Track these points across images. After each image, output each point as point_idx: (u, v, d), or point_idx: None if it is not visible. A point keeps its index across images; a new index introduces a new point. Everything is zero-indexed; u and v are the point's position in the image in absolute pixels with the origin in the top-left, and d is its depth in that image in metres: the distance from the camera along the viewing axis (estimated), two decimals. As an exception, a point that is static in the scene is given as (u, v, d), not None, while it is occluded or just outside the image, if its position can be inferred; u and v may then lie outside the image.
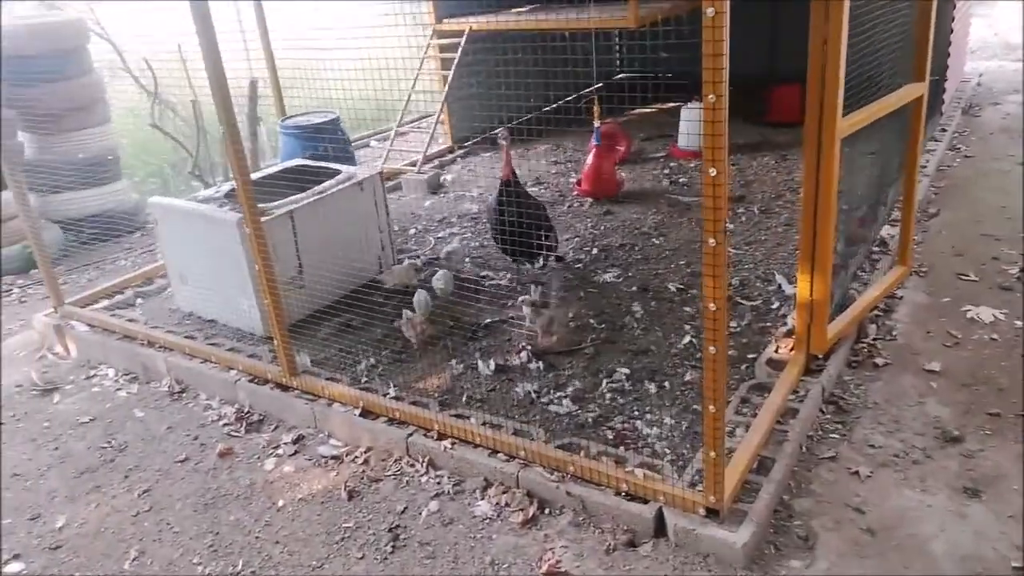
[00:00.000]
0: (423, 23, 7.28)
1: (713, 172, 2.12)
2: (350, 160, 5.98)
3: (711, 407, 2.44)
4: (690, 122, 6.75)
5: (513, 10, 7.21)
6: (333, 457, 3.32)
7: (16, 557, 2.95)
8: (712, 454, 2.51)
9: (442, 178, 6.87)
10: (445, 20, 7.17)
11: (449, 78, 7.02)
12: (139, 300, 4.84)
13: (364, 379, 3.69)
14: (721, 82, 1.99)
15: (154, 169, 8.29)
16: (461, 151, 7.71)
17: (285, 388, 3.66)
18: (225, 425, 3.64)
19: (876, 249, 4.60)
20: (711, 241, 2.20)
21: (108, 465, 3.46)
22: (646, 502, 2.75)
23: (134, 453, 3.52)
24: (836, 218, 3.21)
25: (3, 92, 5.87)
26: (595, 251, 5.05)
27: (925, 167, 5.90)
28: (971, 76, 8.99)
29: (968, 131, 7.07)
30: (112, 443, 3.60)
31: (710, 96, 2.02)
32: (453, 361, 3.81)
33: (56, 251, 5.90)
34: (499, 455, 3.06)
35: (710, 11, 1.92)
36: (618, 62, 10.15)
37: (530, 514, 2.86)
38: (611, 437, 3.16)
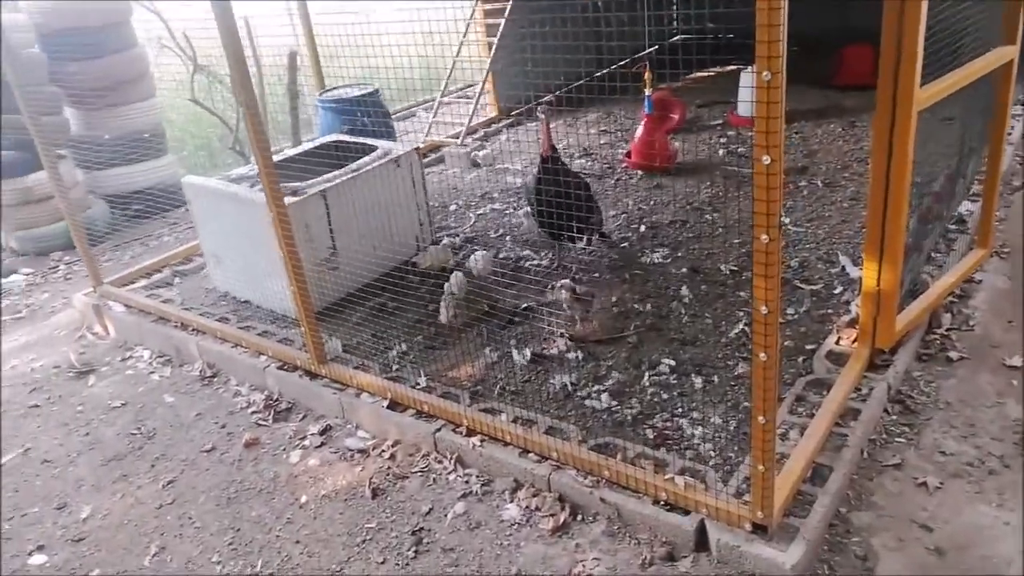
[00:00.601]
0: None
1: (767, 160, 1.85)
2: (390, 134, 5.80)
3: (760, 418, 2.19)
4: (751, 88, 6.33)
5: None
6: (360, 451, 3.19)
7: (40, 548, 2.91)
8: (761, 468, 2.26)
9: (484, 151, 6.64)
10: (490, -16, 6.87)
11: (494, 45, 6.74)
12: (176, 280, 4.80)
13: (395, 367, 3.55)
14: (777, 56, 1.71)
15: (202, 143, 8.30)
16: (507, 121, 7.45)
17: (314, 376, 3.55)
18: (254, 413, 3.54)
19: (953, 227, 4.20)
20: (763, 237, 1.94)
21: (136, 453, 3.40)
22: (687, 513, 2.53)
23: (162, 441, 3.46)
24: (909, 198, 2.87)
25: (48, 68, 5.87)
26: (643, 229, 4.77)
27: (1010, 134, 5.38)
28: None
29: (1060, 94, 6.44)
30: (142, 429, 3.55)
31: (764, 73, 1.74)
32: (487, 349, 3.63)
33: (103, 227, 5.91)
34: (530, 455, 2.87)
35: (763, -28, 1.64)
36: (674, 22, 9.65)
37: (561, 520, 2.67)
38: (652, 437, 2.93)
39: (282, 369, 3.63)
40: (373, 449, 3.18)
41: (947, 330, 3.45)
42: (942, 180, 3.96)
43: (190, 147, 8.14)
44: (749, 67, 6.34)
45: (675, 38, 9.46)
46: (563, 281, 3.79)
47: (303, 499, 2.98)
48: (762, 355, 2.10)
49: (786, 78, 1.79)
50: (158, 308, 4.29)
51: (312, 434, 3.33)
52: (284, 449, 3.28)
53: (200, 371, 3.91)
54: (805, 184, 5.20)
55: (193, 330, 4.09)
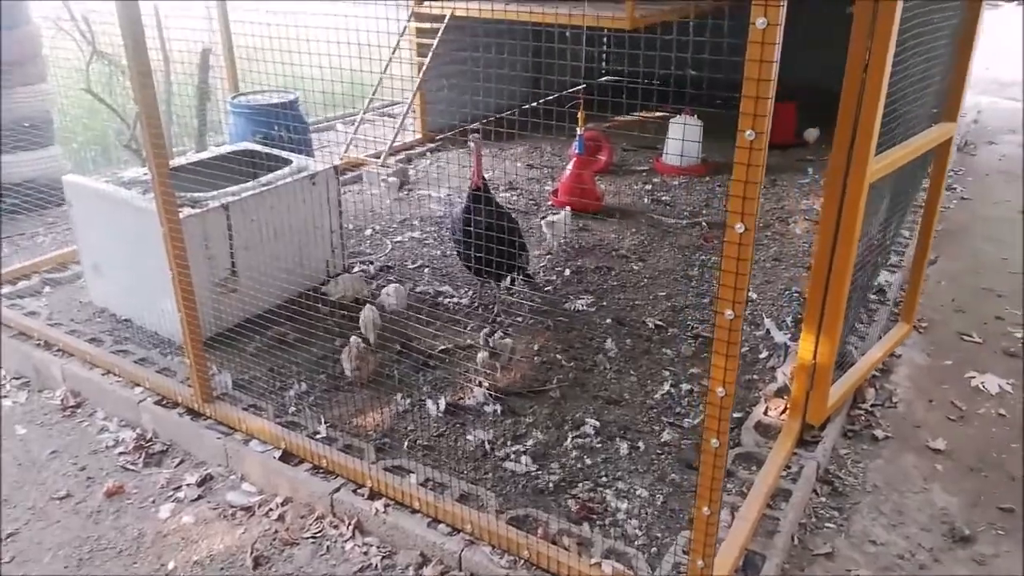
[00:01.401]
0: (402, 3, 6.72)
1: (740, 228, 1.65)
2: (306, 148, 5.41)
3: (705, 509, 1.98)
4: (678, 137, 6.30)
5: (500, -2, 6.69)
6: (244, 508, 2.79)
7: None
8: (700, 563, 2.05)
9: (405, 174, 6.32)
10: (426, 3, 6.63)
11: (425, 65, 6.48)
12: (47, 289, 4.24)
13: (292, 409, 3.17)
14: (764, 115, 1.52)
15: (96, 136, 7.60)
16: (431, 145, 7.17)
17: (196, 415, 3.12)
18: (121, 454, 3.08)
19: (874, 297, 4.21)
20: (728, 313, 1.74)
21: (-28, 496, 2.88)
22: (612, 603, 2.29)
23: (7, 481, 2.95)
24: (856, 278, 2.78)
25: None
26: (567, 272, 4.58)
27: (922, 207, 5.53)
28: (966, 111, 8.72)
29: (963, 170, 6.76)
30: (-17, 467, 3.03)
31: (747, 132, 1.55)
32: (398, 395, 3.31)
33: (-33, 220, 5.24)
34: (441, 525, 2.57)
35: (760, 22, 1.44)
36: (603, 64, 9.69)
37: (472, 607, 2.38)
38: (575, 509, 2.69)
39: (160, 404, 3.19)
40: (259, 507, 2.79)
41: (871, 406, 3.39)
42: (863, 250, 3.96)
43: (81, 139, 7.44)
44: (679, 115, 6.35)
45: (603, 78, 9.49)
46: (481, 339, 3.53)
47: (171, 565, 2.56)
48: (714, 441, 1.89)
49: (706, 132, 1.62)
50: (19, 321, 3.74)
51: (189, 484, 2.90)
52: (154, 501, 2.84)
53: (62, 399, 3.41)
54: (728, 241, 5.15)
55: (58, 350, 3.57)
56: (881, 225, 3.98)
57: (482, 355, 3.41)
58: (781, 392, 3.32)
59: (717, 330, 1.79)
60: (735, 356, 1.78)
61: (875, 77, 2.41)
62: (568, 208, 5.11)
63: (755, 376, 3.55)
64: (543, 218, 5.05)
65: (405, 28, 6.63)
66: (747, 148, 1.57)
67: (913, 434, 3.23)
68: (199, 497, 2.85)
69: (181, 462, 3.04)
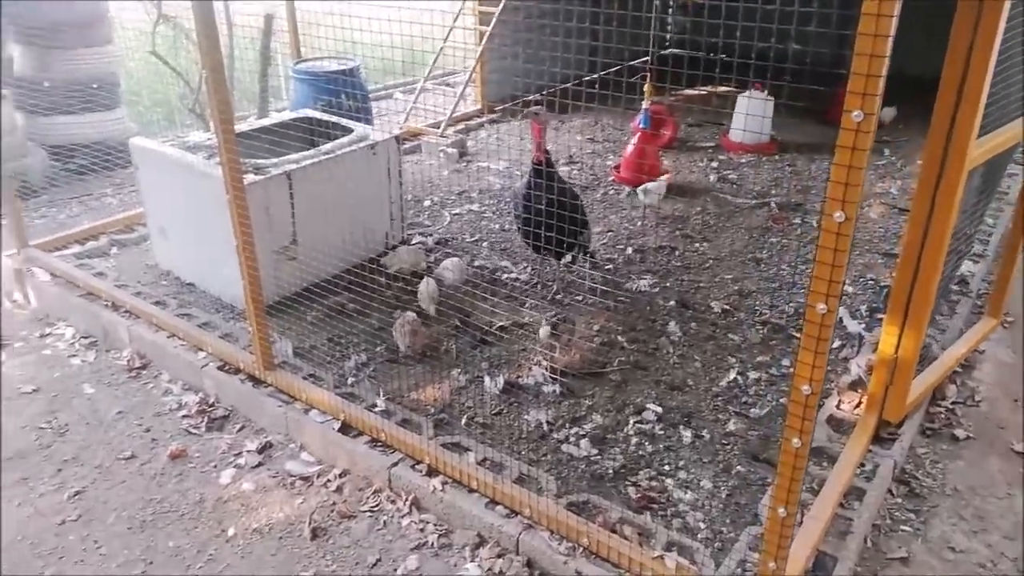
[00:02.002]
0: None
1: (840, 217, 1.52)
2: (367, 116, 5.37)
3: (781, 509, 1.88)
4: (747, 113, 6.06)
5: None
6: (302, 477, 2.79)
7: (-92, 564, 2.46)
8: (772, 565, 1.96)
9: (464, 145, 6.24)
10: (490, -31, 6.48)
11: (486, 34, 6.36)
12: (114, 250, 4.32)
13: (351, 380, 3.16)
14: (875, 95, 1.39)
15: (161, 98, 7.70)
16: (491, 116, 7.06)
17: (258, 382, 3.14)
18: (184, 417, 3.12)
19: (956, 288, 3.99)
20: (820, 307, 1.62)
21: (43, 452, 2.95)
22: (674, 598, 2.22)
23: (74, 440, 3.01)
24: (943, 269, 2.61)
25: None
26: (629, 251, 4.46)
27: (1007, 193, 5.24)
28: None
29: (1054, 156, 6.35)
30: (52, 424, 3.10)
31: (855, 113, 1.42)
32: (456, 371, 3.26)
33: (39, 179, 5.35)
34: (499, 507, 2.52)
35: (878, -6, 1.31)
36: (668, 35, 9.39)
37: (528, 591, 2.33)
38: (635, 497, 2.61)
39: (222, 370, 3.21)
40: (318, 477, 2.79)
41: (952, 404, 3.22)
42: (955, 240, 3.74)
43: (146, 102, 7.54)
44: (747, 91, 6.10)
45: (668, 50, 9.21)
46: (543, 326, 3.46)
47: (231, 531, 2.57)
48: (795, 440, 1.78)
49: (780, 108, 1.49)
50: (87, 282, 3.81)
51: (249, 451, 2.92)
52: (215, 466, 2.86)
53: (128, 360, 3.46)
54: (799, 222, 4.96)
55: (125, 312, 3.63)
56: (968, 213, 3.76)
57: (544, 329, 3.34)
58: (855, 385, 3.18)
59: (807, 325, 1.67)
60: (824, 353, 1.67)
61: (981, 59, 2.22)
62: (666, 176, 5.11)
63: (828, 367, 3.39)
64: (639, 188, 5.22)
65: (468, -4, 6.50)
66: (853, 130, 1.44)
67: (997, 435, 3.06)
68: (259, 464, 2.86)
69: (242, 428, 3.06)
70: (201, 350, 3.32)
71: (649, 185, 3.68)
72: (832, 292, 1.62)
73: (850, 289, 4.06)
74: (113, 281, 3.86)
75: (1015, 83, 2.80)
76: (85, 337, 3.68)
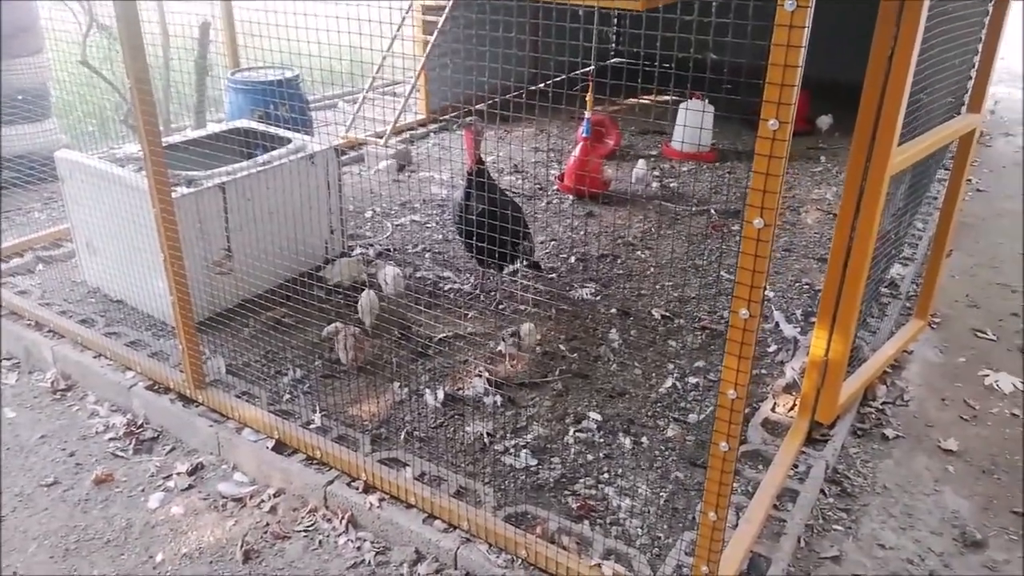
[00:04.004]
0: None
1: (759, 223, 1.55)
2: (307, 126, 5.30)
3: (712, 514, 1.89)
4: (687, 122, 6.16)
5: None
6: (235, 499, 2.71)
7: None
8: (704, 569, 1.97)
9: (408, 155, 6.20)
10: (431, -21, 6.46)
11: (430, 43, 6.33)
12: (40, 267, 4.16)
13: (287, 396, 3.09)
14: (789, 104, 1.41)
15: (93, 109, 7.47)
16: (435, 126, 7.04)
17: (189, 401, 3.04)
18: (111, 440, 3.01)
19: (886, 291, 4.10)
20: (743, 312, 1.64)
21: (-43, 480, 2.81)
22: (611, 606, 2.21)
23: (-8, 467, 2.88)
24: (871, 272, 2.67)
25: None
26: (572, 260, 4.48)
27: (936, 198, 5.42)
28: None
29: (979, 162, 6.62)
30: (-32, 450, 2.96)
31: (771, 122, 1.44)
32: (396, 384, 3.22)
33: (-40, 195, 5.14)
34: (437, 521, 2.49)
35: (789, 4, 1.33)
36: (613, 45, 9.51)
37: (467, 606, 2.31)
38: (575, 506, 2.61)
39: (151, 390, 3.11)
40: (251, 498, 2.71)
41: (882, 404, 3.30)
42: (878, 242, 3.85)
43: (79, 113, 7.31)
44: (688, 100, 6.21)
45: (612, 60, 9.32)
46: (507, 336, 3.45)
47: (159, 557, 2.48)
48: (723, 444, 1.80)
49: (717, 115, 1.51)
50: (10, 300, 3.66)
51: (179, 473, 2.82)
52: (143, 490, 2.76)
53: (52, 382, 3.33)
54: (738, 228, 5.04)
55: (49, 331, 3.49)
56: (896, 217, 3.88)
57: (505, 336, 3.32)
58: (790, 388, 3.24)
59: (731, 330, 1.69)
60: (748, 357, 1.69)
61: (900, 66, 2.29)
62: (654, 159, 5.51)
63: (763, 371, 3.46)
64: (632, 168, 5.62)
65: (411, 5, 6.47)
66: (770, 138, 1.46)
67: (925, 434, 3.14)
68: (189, 487, 2.77)
69: (172, 449, 2.97)
70: (129, 370, 3.21)
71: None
72: (754, 297, 1.64)
73: (782, 298, 4.14)
74: (37, 299, 3.72)
75: (939, 89, 2.90)
76: (7, 359, 3.53)
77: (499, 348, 3.44)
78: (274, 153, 3.94)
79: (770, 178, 1.50)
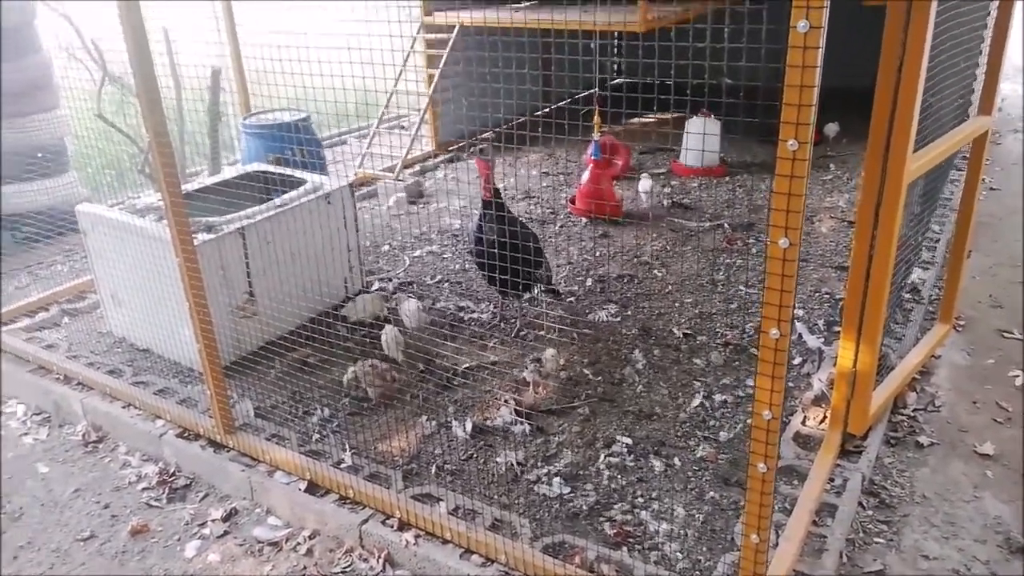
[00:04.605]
0: (410, 16, 6.67)
1: (785, 243, 1.55)
2: (320, 166, 5.36)
3: (754, 536, 1.88)
4: (696, 136, 6.19)
5: (510, 5, 6.63)
6: (270, 543, 2.72)
7: None
8: (748, 594, 1.95)
9: (420, 187, 6.25)
10: (435, 13, 6.57)
11: (436, 76, 6.42)
12: (65, 320, 4.21)
13: (316, 437, 3.10)
14: (807, 124, 1.42)
15: (111, 160, 7.61)
16: (445, 156, 7.10)
17: (219, 447, 3.06)
18: (144, 490, 3.02)
19: (907, 296, 4.07)
20: (773, 332, 1.64)
21: (-4, 538, 2.83)
22: (656, 634, 2.19)
23: (30, 524, 2.90)
24: (893, 279, 2.66)
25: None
26: (589, 282, 4.48)
27: (950, 200, 5.40)
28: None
29: (990, 160, 6.58)
30: (6, 509, 2.98)
31: (790, 143, 1.45)
32: (423, 418, 3.23)
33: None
34: (474, 556, 2.48)
35: (802, 26, 1.35)
36: (616, 67, 9.60)
37: (510, 641, 2.29)
38: (611, 533, 2.59)
39: (182, 437, 3.13)
40: (287, 541, 2.71)
41: (913, 411, 3.27)
42: (898, 249, 3.83)
43: (96, 165, 7.44)
44: (695, 115, 6.24)
45: (616, 81, 9.40)
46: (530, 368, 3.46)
47: (198, 606, 2.49)
48: (761, 466, 1.79)
49: (726, 130, 1.52)
50: (37, 355, 3.70)
51: (214, 520, 2.83)
52: (179, 539, 2.77)
53: (83, 435, 3.36)
54: (753, 242, 5.04)
55: (78, 384, 3.53)
56: (913, 221, 3.86)
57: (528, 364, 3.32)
58: (819, 400, 3.21)
59: (762, 350, 1.69)
60: (782, 377, 1.68)
61: (911, 73, 2.30)
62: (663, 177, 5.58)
63: (789, 383, 3.44)
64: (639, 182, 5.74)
65: (414, 40, 6.57)
66: (790, 159, 1.47)
67: (959, 439, 3.11)
68: (225, 533, 2.78)
69: (205, 496, 2.98)
70: (159, 418, 3.24)
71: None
72: (783, 317, 1.64)
73: (802, 309, 4.12)
74: (64, 352, 3.77)
75: (947, 92, 2.90)
76: (37, 413, 3.57)
77: (523, 376, 3.45)
78: (290, 194, 3.99)
79: (792, 198, 1.50)
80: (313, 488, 2.80)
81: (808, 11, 1.33)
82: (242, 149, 5.45)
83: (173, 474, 3.08)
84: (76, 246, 5.54)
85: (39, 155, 5.73)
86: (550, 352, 3.52)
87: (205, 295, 2.87)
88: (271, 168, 4.47)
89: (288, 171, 4.39)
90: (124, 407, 3.34)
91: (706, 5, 6.00)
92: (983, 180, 6.11)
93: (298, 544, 2.69)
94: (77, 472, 3.16)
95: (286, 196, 3.97)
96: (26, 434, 3.42)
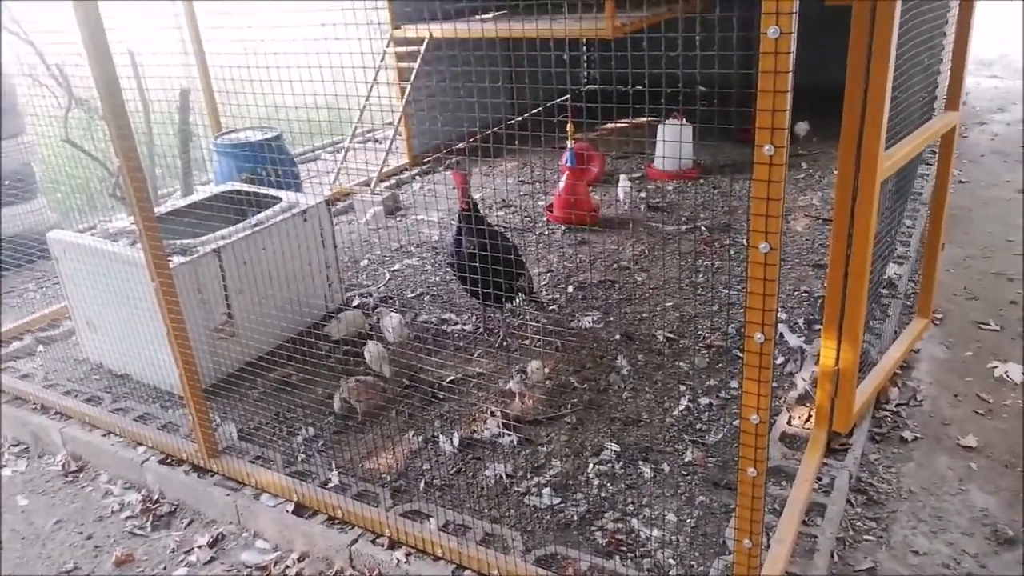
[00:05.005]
0: (379, 27, 6.65)
1: (765, 247, 1.56)
2: (294, 183, 5.32)
3: (746, 541, 1.88)
4: (670, 141, 6.23)
5: (478, 17, 6.65)
6: (259, 567, 2.68)
7: None
8: (743, 599, 1.95)
9: (396, 200, 6.23)
10: (404, 26, 6.56)
11: (407, 88, 6.41)
12: (40, 348, 4.13)
13: (301, 457, 3.06)
14: (782, 129, 1.43)
15: (80, 184, 7.50)
16: (420, 168, 7.09)
17: (203, 471, 3.01)
18: (128, 519, 2.97)
19: (884, 292, 4.12)
20: (758, 336, 1.65)
21: (-26, 576, 2.76)
22: (652, 642, 2.18)
23: (10, 559, 2.83)
24: (870, 275, 2.69)
25: None
26: (571, 289, 4.49)
27: (921, 194, 5.48)
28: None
29: (958, 153, 6.67)
30: (-16, 543, 2.91)
31: (766, 147, 1.46)
32: (410, 433, 3.20)
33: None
34: (467, 572, 2.46)
35: (772, 31, 1.36)
36: (587, 73, 9.65)
37: (506, 655, 2.27)
38: (603, 543, 2.58)
39: (164, 463, 3.08)
40: (275, 565, 2.67)
41: (896, 406, 3.30)
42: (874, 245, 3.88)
43: (65, 189, 7.33)
44: (668, 120, 6.28)
45: (587, 87, 9.44)
46: (515, 379, 3.43)
47: (187, 636, 2.44)
48: (751, 470, 1.79)
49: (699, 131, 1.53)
50: (13, 386, 3.63)
51: (200, 546, 2.78)
52: (165, 567, 2.72)
53: (63, 465, 3.29)
54: (730, 243, 5.07)
55: (56, 413, 3.46)
56: (887, 216, 3.91)
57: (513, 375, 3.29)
58: (803, 399, 3.23)
59: (747, 355, 1.69)
60: (768, 381, 1.69)
61: (879, 74, 2.33)
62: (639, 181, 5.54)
63: (774, 384, 3.45)
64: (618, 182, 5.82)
65: (384, 54, 6.56)
66: (767, 164, 1.48)
67: (943, 432, 3.14)
68: (212, 559, 2.73)
69: (191, 522, 2.93)
70: (140, 444, 3.18)
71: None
72: (767, 321, 1.64)
73: (782, 308, 4.15)
74: (41, 382, 3.70)
75: (914, 88, 2.94)
76: (15, 445, 3.49)
77: (509, 387, 3.43)
78: (266, 213, 3.96)
79: (771, 203, 1.51)
80: (300, 509, 2.77)
81: (778, 17, 1.34)
82: (214, 169, 5.40)
83: (157, 501, 3.03)
84: (47, 272, 5.45)
85: (6, 182, 5.64)
86: (534, 364, 3.51)
87: (183, 318, 2.83)
88: (245, 187, 4.43)
89: (263, 190, 4.35)
90: (104, 435, 3.28)
91: (675, 10, 6.05)
92: (953, 173, 6.23)
93: (287, 567, 2.66)
94: (58, 503, 3.09)
95: (261, 215, 3.93)
96: (4, 466, 3.35)
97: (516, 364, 3.64)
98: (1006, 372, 3.50)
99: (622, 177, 5.82)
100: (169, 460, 3.09)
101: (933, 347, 3.75)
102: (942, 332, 3.88)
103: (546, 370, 3.58)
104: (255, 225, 3.83)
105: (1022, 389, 3.38)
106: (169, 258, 3.14)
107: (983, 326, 3.91)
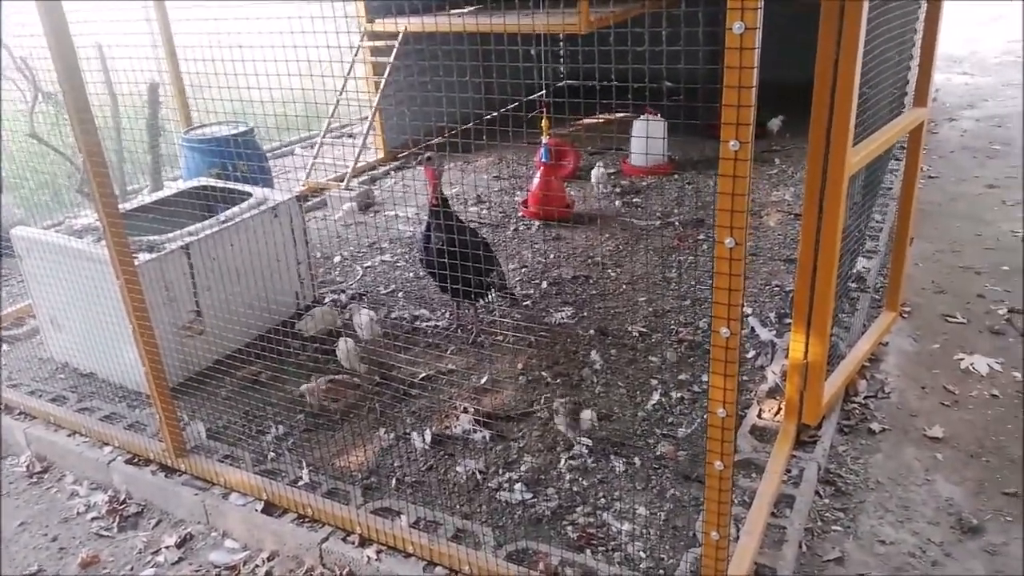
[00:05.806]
0: (353, 22, 6.60)
1: (731, 243, 1.56)
2: (265, 178, 5.26)
3: (714, 533, 1.89)
4: (643, 137, 6.24)
5: (452, 11, 6.60)
6: (228, 567, 2.65)
7: None
8: (711, 591, 1.96)
9: (370, 195, 6.19)
10: (377, 20, 6.51)
11: (382, 83, 6.36)
12: (4, 347, 4.05)
13: (271, 455, 3.03)
14: (748, 124, 1.43)
15: (46, 180, 7.36)
16: (395, 163, 7.05)
17: (171, 471, 2.97)
18: (94, 520, 2.92)
19: (853, 286, 4.16)
20: (723, 331, 1.65)
21: (-65, 580, 2.70)
22: (623, 636, 2.19)
23: (-29, 563, 2.77)
24: (839, 270, 2.71)
25: None
26: (545, 285, 4.48)
27: (891, 189, 5.54)
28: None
29: (928, 148, 6.78)
30: (-55, 547, 2.85)
31: (732, 143, 1.46)
32: (381, 430, 3.18)
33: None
34: (438, 568, 2.45)
35: (737, 27, 1.36)
36: (562, 69, 9.64)
37: (477, 651, 2.26)
38: (575, 537, 2.58)
39: (131, 463, 3.03)
40: (244, 564, 2.64)
41: (865, 399, 3.33)
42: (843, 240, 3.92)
43: (32, 185, 7.19)
44: (641, 116, 6.30)
45: (562, 83, 9.44)
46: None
47: (155, 638, 2.41)
48: (718, 464, 1.80)
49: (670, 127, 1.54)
50: (-25, 386, 3.56)
51: (168, 547, 2.74)
52: (132, 568, 2.68)
53: (28, 466, 3.23)
54: (703, 238, 5.10)
55: (20, 413, 3.39)
56: (856, 211, 3.95)
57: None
58: (773, 392, 3.26)
59: (714, 349, 1.70)
60: (734, 375, 1.70)
61: (847, 70, 2.34)
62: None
63: (744, 377, 3.48)
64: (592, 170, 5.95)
65: (358, 48, 6.51)
66: (732, 159, 1.48)
67: (910, 424, 3.18)
68: (180, 560, 2.70)
69: (158, 523, 2.89)
70: (107, 444, 3.13)
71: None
72: (733, 315, 1.65)
73: (753, 302, 4.18)
74: (5, 381, 3.62)
75: (883, 84, 2.98)
76: (-24, 446, 3.42)
77: (481, 383, 3.42)
78: (236, 208, 3.91)
79: (736, 198, 1.51)
80: (270, 508, 2.74)
81: (743, 12, 1.35)
82: (184, 164, 5.32)
83: (123, 502, 2.98)
84: (12, 269, 5.34)
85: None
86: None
87: (149, 316, 2.78)
88: (215, 183, 4.37)
89: (232, 185, 4.30)
90: (70, 435, 3.22)
91: (643, 6, 6.07)
92: (922, 169, 6.31)
93: (256, 567, 2.63)
94: (22, 505, 3.03)
95: (231, 211, 3.88)
96: (-35, 469, 3.28)
97: (488, 360, 3.63)
98: (972, 364, 3.55)
99: (596, 165, 5.85)
100: (136, 460, 3.05)
101: (901, 340, 3.79)
102: (910, 325, 3.93)
103: (519, 365, 3.58)
104: (224, 221, 3.78)
105: (988, 381, 3.44)
106: (135, 255, 3.10)
107: (950, 319, 3.97)
